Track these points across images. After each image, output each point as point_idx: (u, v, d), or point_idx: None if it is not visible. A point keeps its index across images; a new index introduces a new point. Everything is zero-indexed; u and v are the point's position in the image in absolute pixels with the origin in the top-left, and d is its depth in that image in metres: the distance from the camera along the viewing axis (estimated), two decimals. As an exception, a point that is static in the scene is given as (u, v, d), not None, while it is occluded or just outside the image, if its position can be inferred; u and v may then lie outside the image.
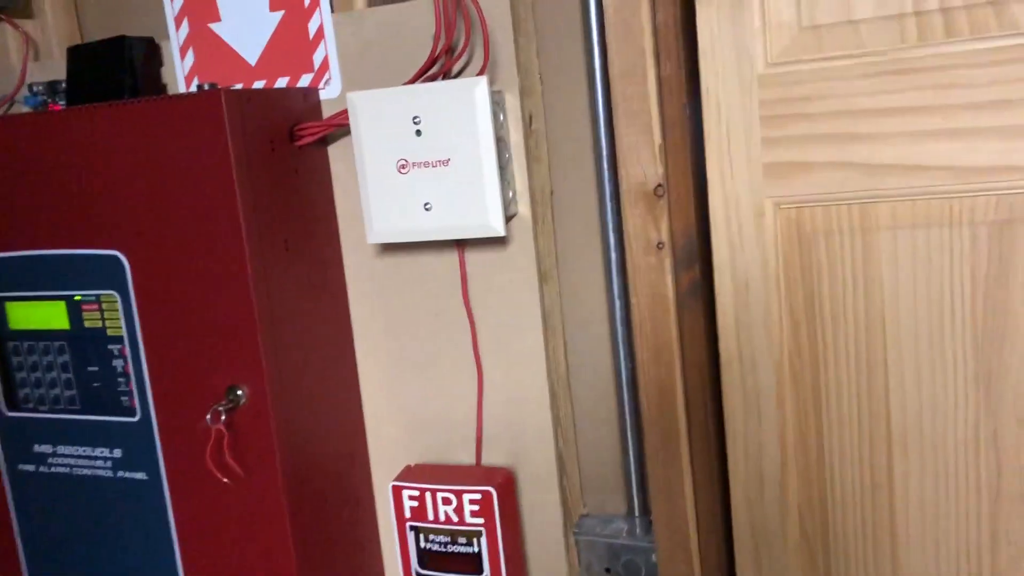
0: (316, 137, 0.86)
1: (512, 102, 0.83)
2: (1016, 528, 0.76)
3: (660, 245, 0.81)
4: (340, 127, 0.86)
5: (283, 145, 0.83)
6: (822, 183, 0.76)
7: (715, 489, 0.89)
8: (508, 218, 0.83)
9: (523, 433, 0.90)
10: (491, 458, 0.92)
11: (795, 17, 0.75)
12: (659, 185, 0.80)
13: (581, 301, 0.94)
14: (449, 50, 0.81)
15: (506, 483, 0.85)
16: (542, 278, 0.89)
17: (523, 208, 0.85)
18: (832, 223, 0.77)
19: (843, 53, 0.74)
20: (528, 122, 0.86)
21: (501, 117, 0.82)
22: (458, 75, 0.85)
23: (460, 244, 0.88)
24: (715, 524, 0.89)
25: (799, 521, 0.83)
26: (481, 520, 0.83)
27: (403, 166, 0.79)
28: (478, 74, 0.79)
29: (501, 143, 0.80)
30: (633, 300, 0.83)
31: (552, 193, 0.93)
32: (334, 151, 0.92)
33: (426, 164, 0.78)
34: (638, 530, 0.94)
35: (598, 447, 0.98)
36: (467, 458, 0.93)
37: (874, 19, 0.73)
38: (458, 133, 0.77)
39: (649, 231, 0.81)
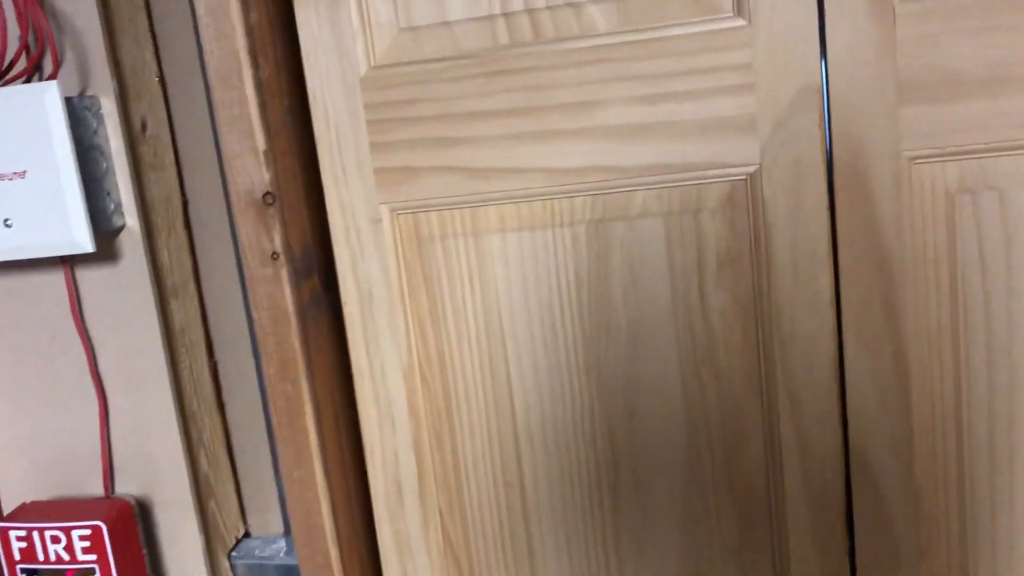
0: None
1: (109, 107, 0.77)
2: (635, 519, 0.79)
3: (275, 256, 0.77)
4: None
5: None
6: (430, 188, 0.75)
7: (355, 503, 0.87)
8: (115, 231, 0.77)
9: (155, 459, 0.85)
10: (124, 487, 0.86)
11: (393, 18, 0.74)
12: (267, 193, 0.76)
13: (225, 316, 0.90)
14: (27, 51, 0.74)
15: (122, 515, 0.79)
16: (171, 293, 0.84)
17: (131, 220, 0.80)
18: (447, 227, 0.76)
19: (440, 55, 0.73)
20: (141, 128, 0.81)
21: (95, 124, 0.76)
22: (51, 79, 0.78)
23: (66, 261, 0.81)
24: (358, 539, 0.87)
25: (441, 527, 0.82)
26: (93, 557, 0.77)
27: (-24, 179, 0.72)
28: (49, 78, 0.72)
29: (95, 151, 0.74)
30: (255, 314, 0.79)
31: (187, 202, 0.88)
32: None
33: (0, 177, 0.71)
34: (295, 549, 0.90)
35: (257, 465, 0.94)
36: (100, 490, 0.87)
37: (466, 20, 0.72)
38: (32, 143, 0.70)
39: (263, 241, 0.77)
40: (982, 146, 0.65)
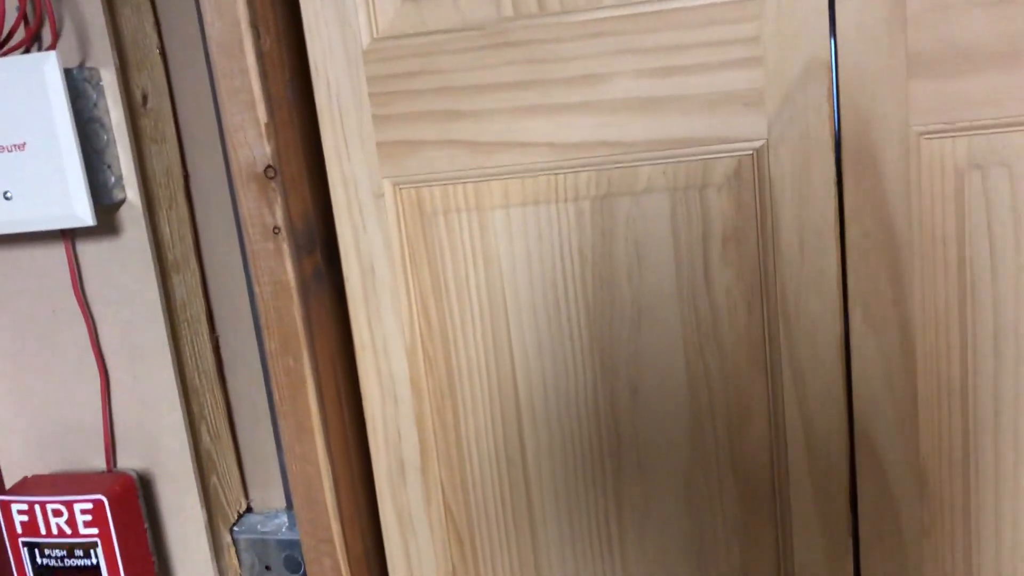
0: None
1: (110, 79, 0.77)
2: (637, 495, 0.78)
3: (276, 230, 0.77)
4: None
5: None
6: (433, 162, 0.75)
7: (357, 479, 0.87)
8: (116, 205, 0.76)
9: (157, 433, 0.84)
10: (126, 462, 0.86)
11: (396, -11, 0.73)
12: (269, 166, 0.75)
13: (226, 290, 0.89)
14: (26, 21, 0.73)
15: (124, 489, 0.79)
16: (171, 267, 0.83)
17: (132, 194, 0.79)
18: (450, 202, 0.76)
19: (444, 27, 0.72)
20: (142, 100, 0.80)
21: (95, 96, 0.75)
22: (50, 49, 0.77)
23: (67, 235, 0.80)
24: (360, 515, 0.87)
25: (443, 503, 0.82)
26: (95, 531, 0.77)
27: (-24, 151, 0.72)
28: (48, 48, 0.71)
29: (95, 124, 0.74)
30: (256, 289, 0.79)
31: (188, 176, 0.87)
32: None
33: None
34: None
35: (259, 440, 0.94)
36: (102, 464, 0.87)
37: (470, -8, 0.71)
38: (31, 115, 0.69)
39: (264, 215, 0.77)
40: (992, 121, 0.64)
